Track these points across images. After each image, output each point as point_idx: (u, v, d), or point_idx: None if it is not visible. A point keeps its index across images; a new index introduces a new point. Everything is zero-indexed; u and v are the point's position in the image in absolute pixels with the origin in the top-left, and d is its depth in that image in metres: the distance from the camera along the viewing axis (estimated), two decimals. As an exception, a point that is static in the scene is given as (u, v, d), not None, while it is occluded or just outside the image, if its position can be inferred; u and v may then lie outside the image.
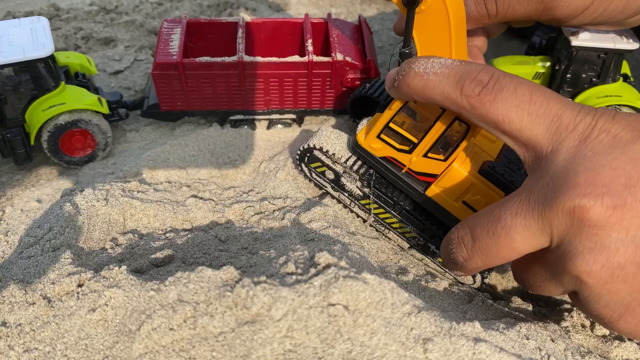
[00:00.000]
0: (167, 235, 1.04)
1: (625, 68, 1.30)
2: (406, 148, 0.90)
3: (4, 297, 0.79)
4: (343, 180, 0.99)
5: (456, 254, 0.71)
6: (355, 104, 1.23)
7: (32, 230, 0.95)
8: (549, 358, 0.74)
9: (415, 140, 0.89)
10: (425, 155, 0.89)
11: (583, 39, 1.20)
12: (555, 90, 1.31)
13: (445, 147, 0.88)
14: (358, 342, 0.64)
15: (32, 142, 1.22)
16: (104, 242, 0.97)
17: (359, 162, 0.99)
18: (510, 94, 0.63)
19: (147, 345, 0.66)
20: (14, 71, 1.18)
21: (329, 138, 1.01)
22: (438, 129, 0.85)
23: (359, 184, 0.97)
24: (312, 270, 0.69)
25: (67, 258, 0.93)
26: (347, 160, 0.99)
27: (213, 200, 1.13)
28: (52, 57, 1.18)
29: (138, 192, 1.11)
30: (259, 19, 1.33)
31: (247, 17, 1.32)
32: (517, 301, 0.99)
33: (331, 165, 1.00)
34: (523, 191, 0.65)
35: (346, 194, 1.01)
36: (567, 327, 0.87)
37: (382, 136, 0.92)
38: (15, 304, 0.78)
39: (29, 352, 0.71)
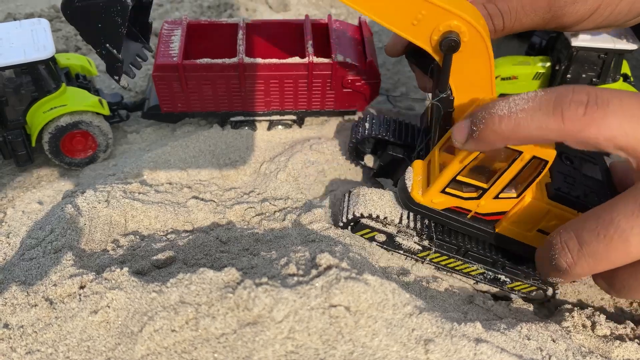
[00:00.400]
0: (169, 236, 1.04)
1: (625, 68, 1.30)
2: (474, 195, 0.85)
3: (5, 299, 0.79)
4: (398, 239, 0.93)
5: (559, 260, 0.67)
6: (357, 146, 1.16)
7: (34, 232, 0.95)
8: (550, 358, 0.74)
9: (485, 186, 0.83)
10: (496, 197, 0.84)
11: (583, 39, 1.20)
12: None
13: (517, 185, 0.83)
14: (360, 343, 0.64)
15: (33, 144, 1.22)
16: (106, 243, 0.97)
17: (412, 217, 0.92)
18: (617, 106, 0.59)
19: (149, 346, 0.66)
20: (15, 73, 1.18)
21: (374, 201, 0.92)
22: (512, 170, 0.79)
23: (416, 239, 0.92)
24: (314, 272, 0.69)
25: (69, 260, 0.93)
26: (400, 220, 0.91)
27: (214, 201, 1.13)
28: (53, 59, 1.18)
29: (139, 193, 1.11)
30: (259, 20, 1.33)
31: (247, 19, 1.32)
32: (518, 301, 0.99)
33: (382, 228, 0.93)
34: (637, 192, 0.61)
35: (401, 252, 0.96)
36: (568, 327, 0.88)
37: (448, 190, 0.86)
38: (17, 305, 0.78)
39: (31, 353, 0.71)
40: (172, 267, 0.91)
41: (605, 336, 0.86)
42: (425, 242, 0.92)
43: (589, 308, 0.94)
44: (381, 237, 0.93)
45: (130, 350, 0.67)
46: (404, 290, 0.71)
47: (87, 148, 1.26)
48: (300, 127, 1.35)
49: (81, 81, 1.31)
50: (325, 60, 1.21)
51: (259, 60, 1.19)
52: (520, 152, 0.74)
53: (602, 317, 0.89)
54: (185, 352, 0.64)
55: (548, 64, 1.31)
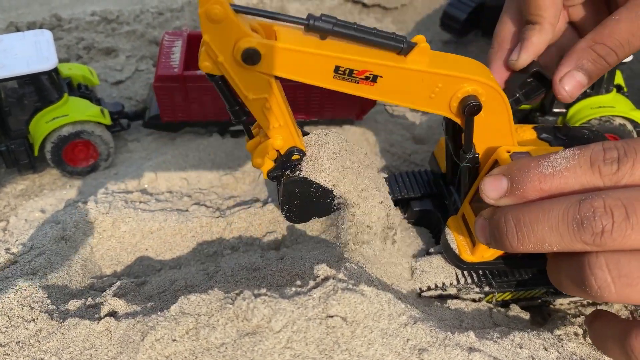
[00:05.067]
0: (169, 245, 1.06)
1: (619, 79, 1.32)
2: None
3: (11, 308, 0.81)
4: (461, 295, 0.96)
5: (599, 221, 0.61)
6: None
7: (38, 241, 0.96)
8: (541, 366, 0.76)
9: None
10: None
11: (576, 51, 1.22)
12: (550, 101, 1.34)
13: None
14: (356, 353, 0.66)
15: (36, 153, 1.24)
16: (109, 254, 0.99)
17: (467, 273, 0.94)
18: None
19: (151, 355, 0.68)
20: (17, 84, 1.21)
21: (426, 272, 0.94)
22: None
23: (477, 289, 0.94)
24: (311, 283, 0.71)
25: (74, 268, 0.95)
26: (458, 281, 0.94)
27: (214, 209, 1.15)
28: (55, 70, 1.20)
29: (140, 202, 1.13)
30: (259, 31, 1.35)
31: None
32: (515, 309, 1.01)
33: (444, 293, 0.95)
34: None
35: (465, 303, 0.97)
36: (561, 335, 0.89)
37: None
38: (20, 317, 0.80)
39: (35, 363, 0.73)
40: (171, 276, 0.93)
41: (597, 344, 0.88)
42: (486, 288, 0.94)
43: (582, 317, 0.96)
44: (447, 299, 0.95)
45: (132, 359, 0.69)
46: (400, 299, 0.73)
47: (89, 157, 1.28)
48: (299, 136, 1.37)
49: (83, 91, 1.33)
50: (324, 71, 1.22)
51: (258, 71, 1.21)
52: None
53: None
54: (186, 361, 0.66)
55: (542, 74, 1.33)
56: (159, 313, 0.70)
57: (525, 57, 0.82)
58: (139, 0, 1.97)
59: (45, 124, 1.22)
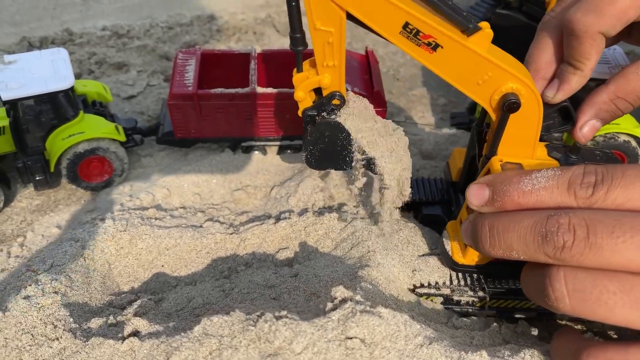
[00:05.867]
0: (184, 262, 1.08)
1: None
2: None
3: (35, 327, 0.83)
4: (455, 297, 0.98)
5: (560, 237, 0.64)
6: None
7: (58, 259, 0.99)
8: (552, 384, 0.78)
9: None
10: None
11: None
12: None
13: None
14: (374, 373, 0.68)
15: (52, 169, 1.27)
16: (126, 270, 1.01)
17: (461, 275, 0.97)
18: (619, 179, 0.64)
19: (174, 375, 0.70)
20: (34, 101, 1.23)
21: (427, 272, 0.98)
22: None
23: (471, 293, 0.96)
24: (329, 305, 0.73)
25: (94, 285, 0.97)
26: (450, 281, 0.97)
27: (227, 225, 1.17)
28: (71, 88, 1.23)
29: (155, 219, 1.15)
30: (270, 50, 1.38)
31: (259, 49, 1.37)
32: (522, 325, 1.03)
33: (438, 292, 0.98)
34: None
35: (460, 307, 0.99)
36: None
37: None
38: (44, 335, 0.83)
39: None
40: (190, 294, 0.96)
41: None
42: (480, 293, 0.96)
43: (589, 333, 0.98)
44: (439, 299, 0.97)
45: (156, 378, 0.71)
46: (415, 319, 0.75)
47: (104, 173, 1.31)
48: (309, 151, 1.39)
49: (98, 108, 1.35)
50: (334, 90, 1.25)
51: (271, 90, 1.24)
52: None
53: (600, 340, 0.92)
54: (208, 381, 0.68)
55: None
56: (182, 334, 0.72)
57: (560, 97, 0.86)
58: (149, 15, 2.00)
59: (62, 141, 1.24)
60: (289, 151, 1.39)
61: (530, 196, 0.69)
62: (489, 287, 0.95)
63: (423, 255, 1.01)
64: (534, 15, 1.65)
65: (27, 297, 0.91)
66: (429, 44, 0.76)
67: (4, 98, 1.15)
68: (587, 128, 0.87)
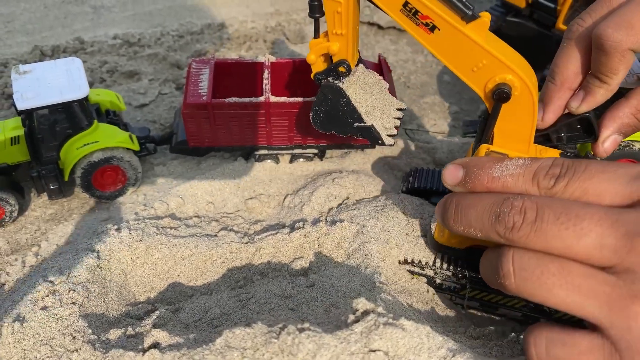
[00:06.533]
0: (200, 271, 1.08)
1: (638, 104, 1.34)
2: None
3: (53, 338, 0.83)
4: (437, 280, 0.99)
5: (510, 218, 0.67)
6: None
7: (75, 270, 0.99)
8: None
9: None
10: None
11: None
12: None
13: None
14: (397, 386, 0.68)
15: (66, 178, 1.27)
16: (142, 280, 1.01)
17: (446, 258, 0.97)
18: (581, 172, 0.67)
19: (196, 388, 0.70)
20: (49, 111, 1.24)
21: (415, 251, 1.00)
22: None
23: (453, 279, 0.97)
24: (351, 317, 0.73)
25: (110, 295, 0.97)
26: (434, 264, 0.97)
27: (242, 235, 1.16)
28: (86, 98, 1.23)
29: (170, 228, 1.15)
30: (283, 59, 1.39)
31: (272, 58, 1.37)
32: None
33: (421, 272, 0.99)
34: None
35: (446, 292, 1.00)
36: None
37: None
38: (63, 347, 0.82)
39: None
40: (207, 304, 0.95)
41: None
42: (463, 281, 0.96)
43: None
44: (422, 280, 0.98)
45: (177, 391, 0.71)
46: (437, 332, 0.75)
47: (117, 182, 1.31)
48: (322, 159, 1.39)
49: (111, 117, 1.36)
50: (348, 99, 1.25)
51: (285, 99, 1.24)
52: None
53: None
54: (230, 394, 0.68)
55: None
56: (204, 346, 0.72)
57: (584, 109, 0.87)
58: (159, 23, 2.01)
59: (76, 150, 1.24)
60: (301, 160, 1.39)
61: (497, 181, 0.72)
62: (470, 277, 0.95)
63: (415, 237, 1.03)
64: (545, 22, 1.66)
65: (45, 308, 0.91)
66: (426, 25, 0.81)
67: (20, 108, 1.16)
68: (609, 143, 0.88)
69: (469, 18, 0.78)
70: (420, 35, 0.83)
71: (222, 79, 1.37)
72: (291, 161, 1.38)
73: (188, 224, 1.19)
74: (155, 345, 0.77)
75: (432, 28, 0.81)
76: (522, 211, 0.66)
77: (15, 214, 1.25)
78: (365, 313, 0.73)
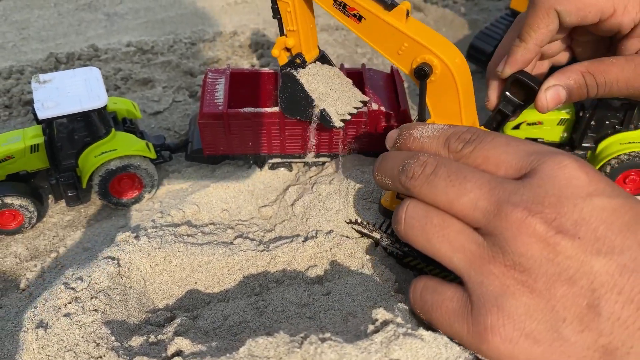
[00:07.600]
0: (217, 279, 1.10)
1: (648, 115, 1.36)
2: None
3: (77, 344, 0.84)
4: (383, 244, 1.04)
5: (411, 169, 0.74)
6: None
7: (96, 277, 1.01)
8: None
9: None
10: None
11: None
12: (579, 137, 1.38)
13: None
14: (416, 396, 0.69)
15: (84, 186, 1.29)
16: (161, 287, 1.03)
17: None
18: (487, 142, 0.72)
19: (219, 396, 0.71)
20: (68, 119, 1.26)
21: (367, 214, 1.06)
22: None
23: (397, 245, 1.01)
24: (371, 327, 0.74)
25: (131, 302, 0.99)
26: (380, 228, 1.03)
27: (257, 242, 1.18)
28: (104, 107, 1.26)
29: (188, 235, 1.17)
30: (297, 69, 1.40)
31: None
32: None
33: (368, 234, 1.05)
34: None
35: (392, 258, 1.05)
36: None
37: (401, 195, 0.94)
38: (86, 353, 0.84)
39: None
40: (225, 312, 0.97)
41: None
42: (405, 249, 0.99)
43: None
44: (370, 241, 1.05)
45: (200, 398, 0.72)
46: (455, 342, 0.76)
47: (134, 189, 1.33)
48: (337, 169, 1.41)
49: (128, 125, 1.38)
50: (362, 109, 1.27)
51: (299, 109, 1.26)
52: None
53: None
54: (253, 402, 0.69)
55: (572, 110, 1.37)
56: (227, 355, 0.73)
57: (508, 71, 0.93)
58: (172, 31, 2.03)
59: (94, 158, 1.27)
60: (314, 168, 1.40)
61: (417, 142, 0.79)
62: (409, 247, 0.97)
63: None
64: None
65: (67, 315, 0.93)
66: (354, 15, 0.95)
67: (41, 117, 1.18)
68: (551, 92, 0.89)
69: (389, 7, 0.92)
70: (351, 25, 0.96)
71: (237, 89, 1.39)
72: (304, 169, 1.40)
73: (204, 232, 1.21)
74: (179, 353, 0.79)
75: (360, 18, 0.94)
76: (423, 165, 0.72)
77: (34, 221, 1.28)
78: (385, 323, 0.74)
